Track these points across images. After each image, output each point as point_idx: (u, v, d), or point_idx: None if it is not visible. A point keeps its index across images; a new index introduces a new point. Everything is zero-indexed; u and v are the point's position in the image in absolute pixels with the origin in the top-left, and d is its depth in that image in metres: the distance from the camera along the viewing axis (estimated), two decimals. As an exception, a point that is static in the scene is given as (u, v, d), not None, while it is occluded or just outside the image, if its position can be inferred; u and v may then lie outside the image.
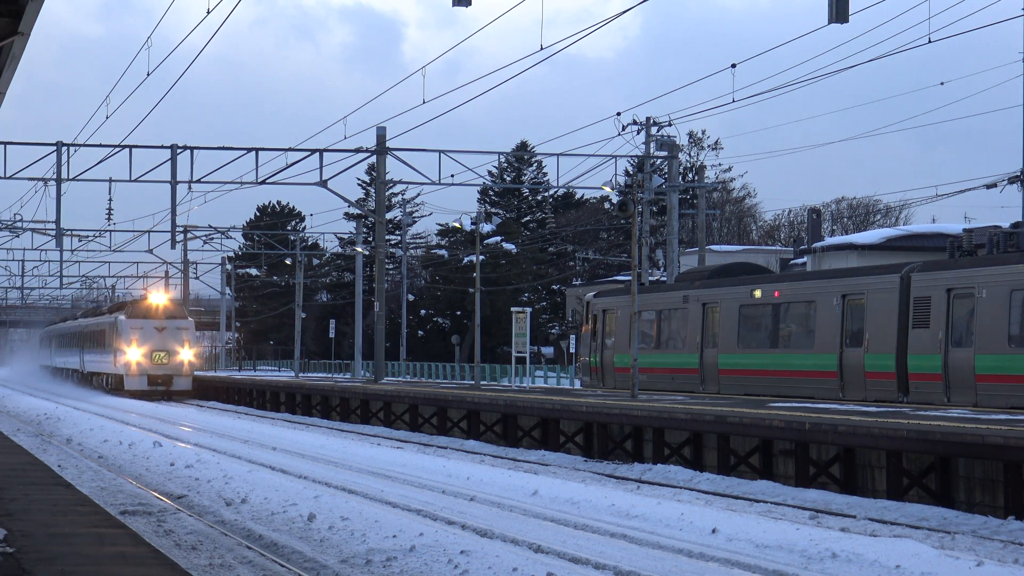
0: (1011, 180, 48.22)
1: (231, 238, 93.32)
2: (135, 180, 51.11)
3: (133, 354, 71.71)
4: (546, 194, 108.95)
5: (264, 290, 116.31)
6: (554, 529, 19.29)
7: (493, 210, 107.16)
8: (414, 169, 52.90)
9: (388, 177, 54.95)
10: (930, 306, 32.00)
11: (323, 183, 51.94)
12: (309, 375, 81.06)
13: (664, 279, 61.75)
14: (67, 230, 72.84)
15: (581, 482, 26.13)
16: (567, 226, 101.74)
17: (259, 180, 52.35)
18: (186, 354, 72.71)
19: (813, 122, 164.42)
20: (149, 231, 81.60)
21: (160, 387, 71.70)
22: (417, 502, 22.21)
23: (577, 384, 55.21)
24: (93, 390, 79.64)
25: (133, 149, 50.57)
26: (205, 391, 75.70)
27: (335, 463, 30.03)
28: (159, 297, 75.96)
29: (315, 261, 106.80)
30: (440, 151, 51.35)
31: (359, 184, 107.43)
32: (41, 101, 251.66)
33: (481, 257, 59.21)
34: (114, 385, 74.67)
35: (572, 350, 65.73)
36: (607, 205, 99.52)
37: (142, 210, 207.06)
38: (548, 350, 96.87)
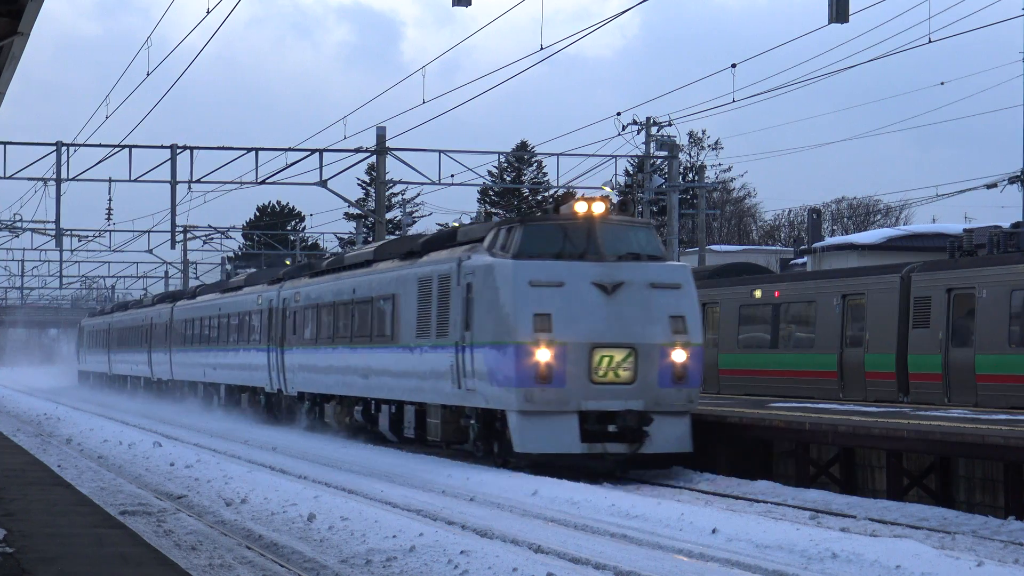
0: (1011, 180, 48.23)
1: (231, 238, 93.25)
2: (135, 180, 51.09)
3: (542, 355, 26.65)
4: (546, 194, 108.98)
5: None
6: (554, 529, 19.29)
7: (493, 210, 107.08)
8: (414, 169, 52.89)
9: (388, 177, 54.93)
10: (930, 306, 32.00)
11: (323, 183, 51.92)
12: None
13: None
14: (67, 230, 72.70)
15: (581, 482, 26.11)
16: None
17: (259, 180, 52.33)
18: (679, 354, 27.25)
19: (813, 122, 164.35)
20: (149, 231, 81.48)
21: (617, 449, 26.81)
22: (417, 502, 22.21)
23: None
24: (349, 439, 35.74)
25: (133, 149, 50.56)
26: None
27: (335, 463, 30.01)
28: (597, 206, 28.20)
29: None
30: (440, 151, 51.37)
31: (359, 184, 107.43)
32: (37, 100, 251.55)
33: (481, 257, 59.01)
34: (450, 435, 29.72)
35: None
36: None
37: (142, 210, 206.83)
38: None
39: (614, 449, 26.79)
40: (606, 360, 26.87)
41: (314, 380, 38.77)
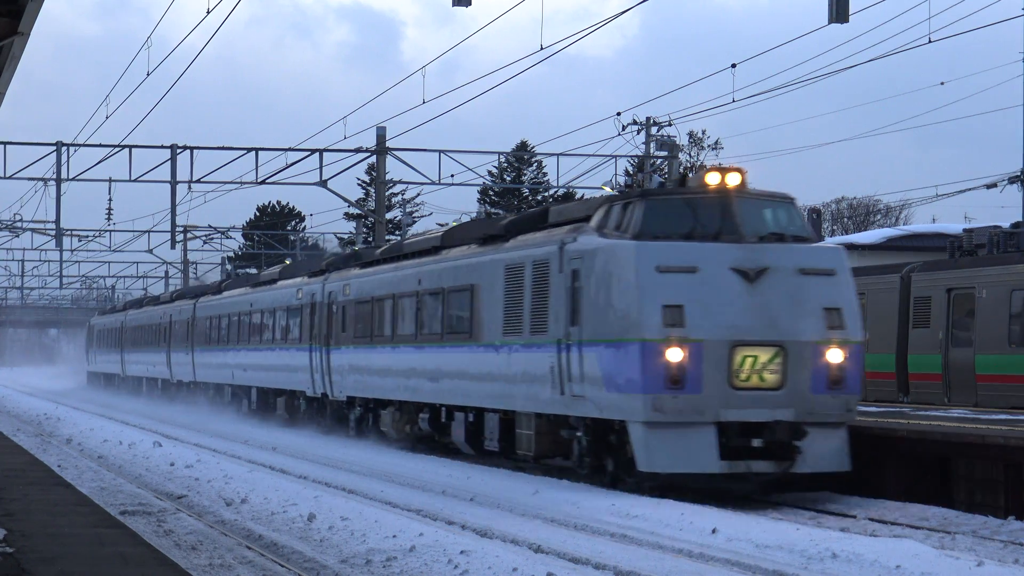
0: (1011, 180, 48.24)
1: (231, 238, 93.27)
2: (135, 180, 51.11)
3: (673, 355, 22.01)
4: (546, 194, 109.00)
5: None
6: (554, 529, 19.29)
7: (493, 210, 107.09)
8: (414, 169, 52.93)
9: (388, 177, 54.94)
10: (930, 306, 32.01)
11: (323, 183, 51.93)
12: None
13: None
14: (67, 230, 72.64)
15: (581, 482, 26.11)
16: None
17: (259, 180, 52.35)
18: (835, 354, 22.58)
19: (813, 122, 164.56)
20: (149, 231, 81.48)
21: (763, 468, 22.41)
22: (417, 502, 22.20)
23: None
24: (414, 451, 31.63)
25: (133, 149, 50.59)
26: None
27: (335, 464, 30.01)
28: (732, 177, 23.45)
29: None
30: (440, 151, 51.41)
31: (359, 184, 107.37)
32: (37, 100, 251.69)
33: (481, 257, 58.91)
34: (546, 448, 25.42)
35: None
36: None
37: (142, 210, 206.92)
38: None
39: (759, 468, 22.35)
40: (749, 361, 22.28)
41: (368, 383, 33.97)
